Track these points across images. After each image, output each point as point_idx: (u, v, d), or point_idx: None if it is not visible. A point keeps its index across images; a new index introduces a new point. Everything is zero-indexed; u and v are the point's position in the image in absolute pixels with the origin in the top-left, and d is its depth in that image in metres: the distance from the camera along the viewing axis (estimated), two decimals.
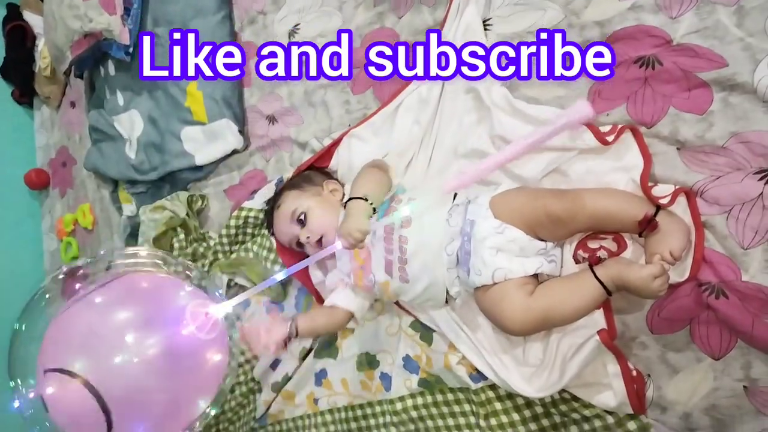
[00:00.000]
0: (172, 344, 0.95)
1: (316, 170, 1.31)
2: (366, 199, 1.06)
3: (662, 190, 0.90)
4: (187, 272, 1.07)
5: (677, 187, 0.89)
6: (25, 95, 2.29)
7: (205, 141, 1.54)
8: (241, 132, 1.50)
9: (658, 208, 0.87)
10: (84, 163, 1.89)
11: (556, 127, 0.92)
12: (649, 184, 0.90)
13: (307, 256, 1.26)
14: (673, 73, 0.89)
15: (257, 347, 1.07)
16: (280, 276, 1.04)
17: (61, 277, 1.05)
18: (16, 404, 0.98)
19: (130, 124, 1.73)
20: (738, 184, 0.84)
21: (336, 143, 1.30)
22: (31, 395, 0.97)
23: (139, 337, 0.94)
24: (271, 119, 1.47)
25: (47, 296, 1.04)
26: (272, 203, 1.30)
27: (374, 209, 1.06)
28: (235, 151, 1.52)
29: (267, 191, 1.40)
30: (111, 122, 1.79)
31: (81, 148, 2.03)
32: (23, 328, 1.02)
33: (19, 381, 0.98)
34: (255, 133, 1.51)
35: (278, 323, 1.08)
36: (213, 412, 1.05)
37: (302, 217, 1.18)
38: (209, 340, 0.99)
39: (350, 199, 1.07)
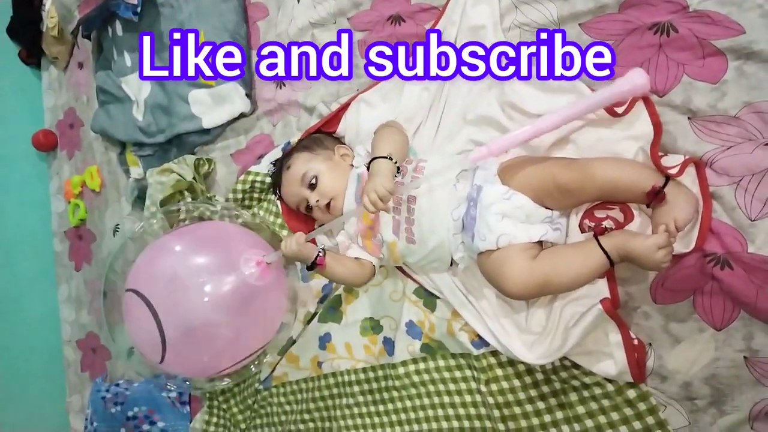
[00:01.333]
0: (230, 288, 1.07)
1: (325, 134, 1.30)
2: (390, 158, 1.05)
3: (672, 161, 0.89)
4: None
5: (687, 157, 0.88)
6: (33, 55, 2.27)
7: (212, 104, 1.53)
8: (249, 95, 1.49)
9: (667, 178, 0.87)
10: (91, 124, 1.89)
11: (604, 97, 0.89)
12: (659, 153, 0.89)
13: (314, 221, 1.27)
14: (688, 41, 0.88)
15: (286, 247, 1.07)
16: (326, 228, 1.10)
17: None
18: None
19: (138, 85, 1.72)
20: (749, 154, 0.83)
21: (344, 108, 1.29)
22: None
23: (205, 278, 1.07)
24: (279, 83, 1.45)
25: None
26: (281, 163, 1.29)
27: (398, 168, 1.06)
28: (242, 115, 1.52)
29: (274, 156, 1.40)
30: (118, 83, 1.78)
31: (88, 110, 2.03)
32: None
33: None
34: (262, 96, 1.50)
35: (310, 245, 1.09)
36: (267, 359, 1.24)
37: (313, 180, 1.18)
38: (266, 288, 1.12)
39: (374, 159, 1.06)
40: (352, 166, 1.20)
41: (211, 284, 1.06)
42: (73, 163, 2.13)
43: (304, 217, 1.29)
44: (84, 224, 2.06)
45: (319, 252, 1.09)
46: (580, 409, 0.99)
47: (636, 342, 0.94)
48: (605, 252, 0.88)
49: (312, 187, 1.18)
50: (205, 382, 1.27)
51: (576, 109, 0.90)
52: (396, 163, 1.05)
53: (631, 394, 0.95)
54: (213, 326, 1.07)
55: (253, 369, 1.28)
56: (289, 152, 1.29)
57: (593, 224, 0.96)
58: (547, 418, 1.03)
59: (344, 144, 1.28)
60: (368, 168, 1.07)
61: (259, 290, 1.10)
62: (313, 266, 1.09)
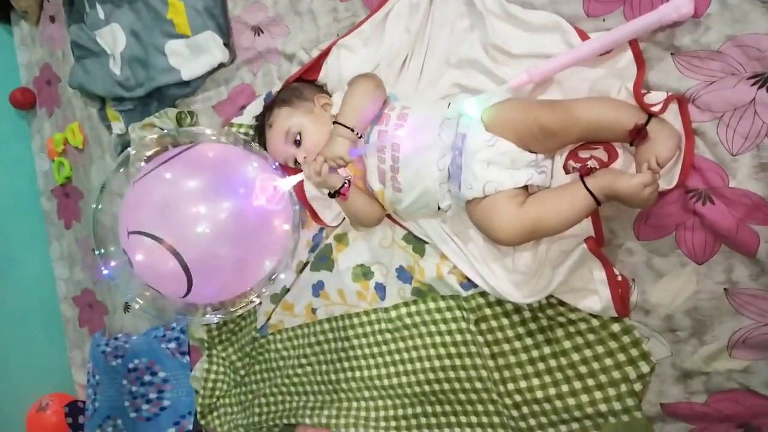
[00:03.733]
0: (242, 212, 1.05)
1: (306, 83, 1.28)
2: (352, 130, 1.05)
3: (655, 98, 0.89)
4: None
5: (670, 93, 0.88)
6: (1, 10, 2.19)
7: (190, 55, 1.50)
8: (227, 44, 1.45)
9: (650, 116, 0.87)
10: (69, 80, 1.84)
11: (646, 23, 0.86)
12: (642, 91, 0.89)
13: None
14: None
15: (310, 172, 1.08)
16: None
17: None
18: (105, 271, 1.13)
19: (113, 38, 1.66)
20: (731, 89, 0.83)
21: (324, 54, 1.26)
22: (113, 262, 1.14)
23: (211, 204, 1.04)
24: (257, 30, 1.42)
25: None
26: (262, 119, 1.28)
27: (360, 136, 1.07)
28: (221, 65, 1.48)
29: (256, 106, 1.37)
30: (93, 37, 1.72)
31: (65, 65, 1.97)
32: (100, 207, 1.17)
33: (102, 250, 1.15)
34: (240, 45, 1.46)
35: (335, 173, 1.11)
36: (283, 276, 1.22)
37: (297, 137, 1.16)
38: (275, 210, 1.10)
39: (337, 123, 1.07)
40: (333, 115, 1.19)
41: (220, 211, 1.05)
42: (54, 120, 2.09)
43: (292, 169, 1.29)
44: (70, 182, 2.04)
45: (345, 182, 1.10)
46: (567, 344, 1.03)
47: (620, 278, 0.96)
48: (591, 193, 0.89)
49: (297, 143, 1.17)
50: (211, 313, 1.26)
51: (617, 35, 0.88)
52: (359, 135, 1.06)
53: (616, 328, 0.98)
54: (225, 255, 1.07)
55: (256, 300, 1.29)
56: (269, 107, 1.26)
57: (578, 165, 0.96)
58: (535, 353, 1.06)
59: (324, 92, 1.26)
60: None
61: (269, 212, 1.11)
62: (335, 194, 1.11)
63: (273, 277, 1.23)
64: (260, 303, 1.40)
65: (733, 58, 0.82)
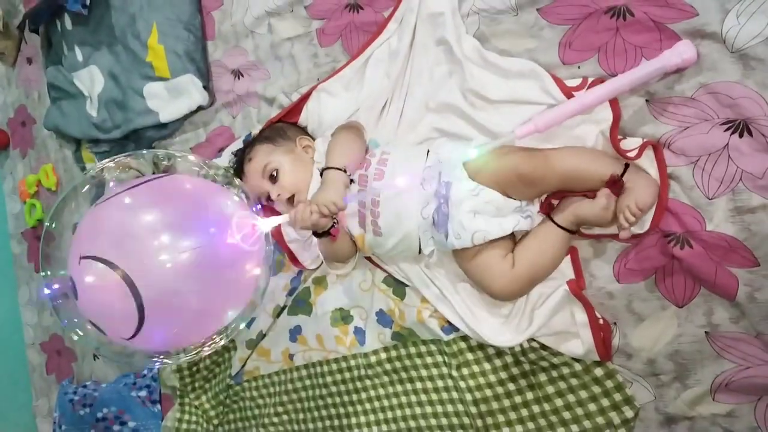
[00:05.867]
0: (212, 251, 0.95)
1: (289, 124, 1.28)
2: (344, 171, 1.05)
3: (630, 144, 0.90)
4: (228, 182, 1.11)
5: (645, 139, 0.89)
6: None
7: (168, 97, 1.49)
8: (206, 87, 1.46)
9: (626, 166, 0.88)
10: (44, 122, 1.82)
11: (649, 71, 0.86)
12: (618, 137, 0.91)
13: (275, 212, 1.25)
14: (644, 24, 0.88)
15: (299, 215, 1.03)
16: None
17: (93, 174, 1.11)
18: (46, 291, 1.00)
19: (90, 80, 1.66)
20: (704, 135, 0.85)
21: (305, 98, 1.27)
22: (57, 285, 0.99)
23: (179, 239, 0.92)
24: (237, 74, 1.42)
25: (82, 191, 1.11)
26: (242, 154, 1.26)
27: (352, 180, 1.07)
28: (200, 108, 1.48)
29: (235, 149, 1.37)
30: (70, 79, 1.72)
31: (40, 107, 1.96)
32: (53, 225, 1.06)
33: (49, 272, 1.02)
34: (220, 88, 1.46)
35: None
36: (242, 325, 1.07)
37: (274, 173, 1.16)
38: (248, 252, 0.99)
39: (327, 168, 1.06)
40: (314, 159, 1.19)
41: (186, 247, 0.93)
42: (27, 161, 2.06)
43: (271, 208, 1.27)
44: (41, 225, 2.00)
45: (334, 222, 1.07)
46: (550, 389, 1.01)
47: (601, 321, 0.96)
48: (563, 228, 0.94)
49: (273, 179, 1.16)
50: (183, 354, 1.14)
51: (620, 83, 0.89)
52: (350, 176, 1.06)
53: (599, 372, 0.97)
54: (187, 296, 0.94)
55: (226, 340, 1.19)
56: (251, 142, 1.26)
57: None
58: (517, 399, 1.05)
59: (307, 134, 1.26)
60: (321, 175, 1.07)
61: (241, 254, 1.00)
62: (324, 234, 1.08)
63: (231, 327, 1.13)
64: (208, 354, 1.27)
65: (707, 105, 0.85)
